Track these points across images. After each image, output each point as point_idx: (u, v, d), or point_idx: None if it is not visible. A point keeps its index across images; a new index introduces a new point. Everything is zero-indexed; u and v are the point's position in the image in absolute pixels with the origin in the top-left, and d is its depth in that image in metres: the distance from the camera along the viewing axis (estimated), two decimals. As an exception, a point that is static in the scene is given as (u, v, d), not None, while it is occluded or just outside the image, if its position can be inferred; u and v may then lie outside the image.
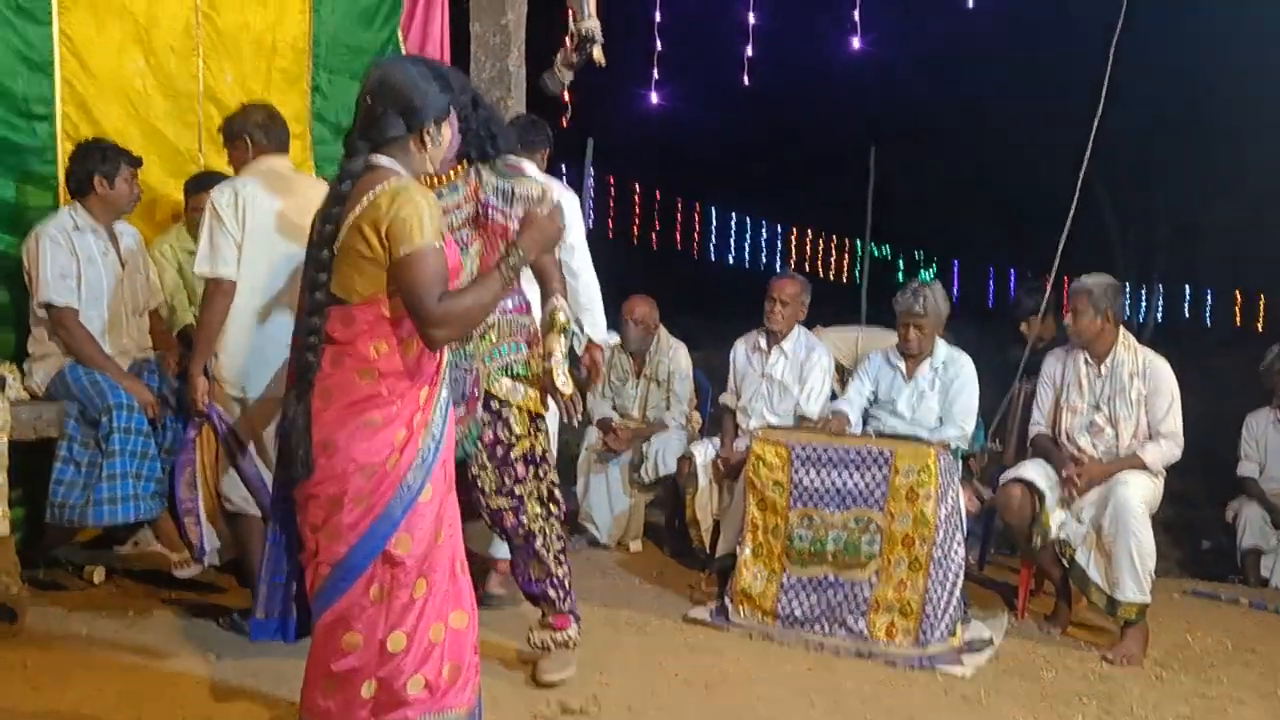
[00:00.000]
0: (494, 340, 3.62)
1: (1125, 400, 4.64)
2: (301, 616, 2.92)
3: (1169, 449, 4.60)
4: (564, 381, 3.58)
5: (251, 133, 4.15)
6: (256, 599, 2.95)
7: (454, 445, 2.86)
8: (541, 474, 3.69)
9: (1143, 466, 4.56)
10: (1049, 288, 5.90)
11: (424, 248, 2.60)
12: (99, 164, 4.29)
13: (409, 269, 2.59)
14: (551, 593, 3.77)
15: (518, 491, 3.64)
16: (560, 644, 3.79)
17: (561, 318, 3.61)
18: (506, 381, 3.62)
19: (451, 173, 3.58)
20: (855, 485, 4.45)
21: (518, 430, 3.62)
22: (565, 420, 3.70)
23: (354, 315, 2.66)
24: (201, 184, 4.81)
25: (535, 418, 3.67)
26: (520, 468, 3.64)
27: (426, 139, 2.77)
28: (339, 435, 2.65)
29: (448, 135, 2.84)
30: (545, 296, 3.66)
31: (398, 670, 2.69)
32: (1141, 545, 4.36)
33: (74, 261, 4.23)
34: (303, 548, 2.78)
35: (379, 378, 2.66)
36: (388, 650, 2.69)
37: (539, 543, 3.70)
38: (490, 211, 3.56)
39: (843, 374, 5.52)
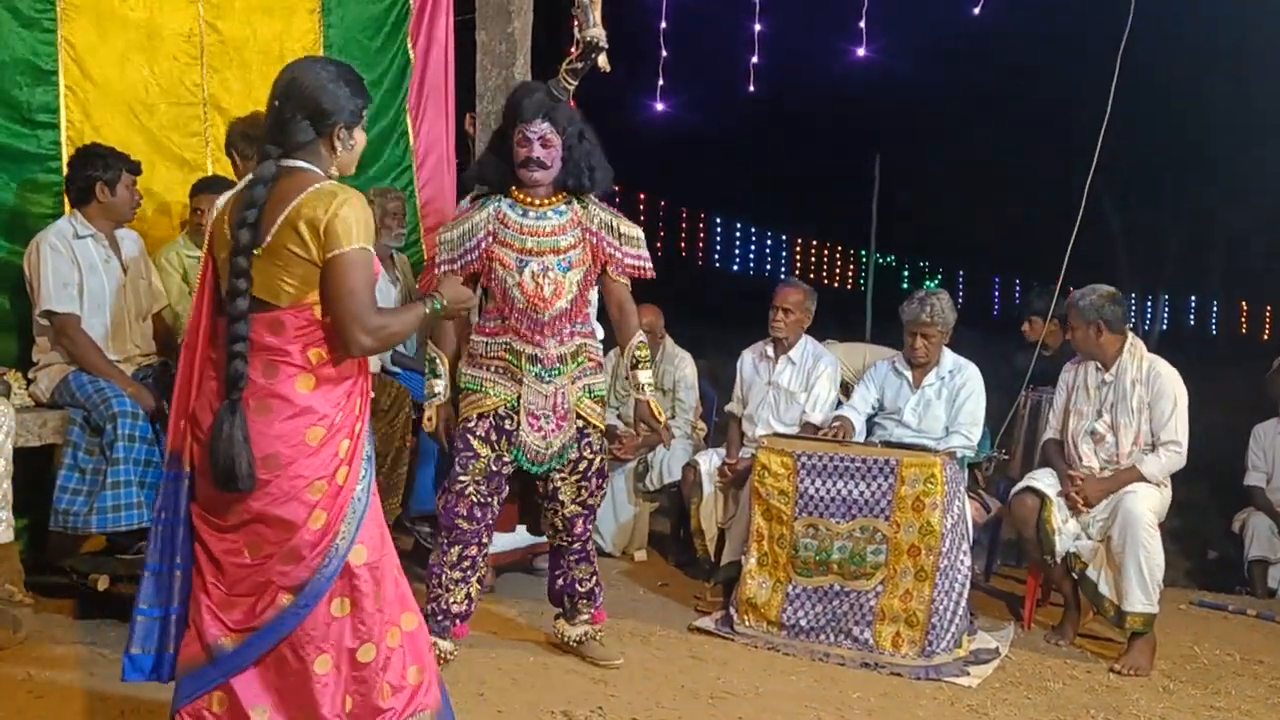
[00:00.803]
0: (581, 362, 3.94)
1: (1126, 407, 4.63)
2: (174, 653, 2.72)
3: (1169, 458, 4.57)
4: (658, 408, 4.13)
5: (236, 144, 4.15)
6: (131, 633, 2.71)
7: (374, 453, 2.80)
8: (603, 486, 4.11)
9: (1140, 479, 4.54)
10: (1057, 292, 5.87)
11: (357, 250, 2.55)
12: (100, 171, 4.27)
13: (345, 269, 2.54)
14: (596, 590, 4.18)
15: (590, 502, 4.06)
16: (600, 633, 4.19)
17: (644, 352, 4.09)
18: (589, 403, 3.97)
19: (553, 198, 3.90)
20: (861, 495, 4.44)
21: (596, 448, 4.02)
22: (658, 443, 4.13)
23: (283, 320, 2.58)
24: (204, 186, 4.81)
25: (602, 436, 4.07)
26: (594, 481, 4.04)
27: (337, 143, 2.69)
28: (283, 450, 2.56)
29: (360, 140, 2.76)
30: (628, 334, 4.06)
31: (372, 681, 2.66)
32: (1150, 556, 4.35)
33: (75, 269, 4.23)
34: (223, 579, 2.62)
35: (317, 385, 2.60)
36: (359, 662, 2.65)
37: (590, 545, 4.13)
38: (602, 244, 3.93)
39: (848, 390, 5.50)
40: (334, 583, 2.59)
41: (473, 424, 3.87)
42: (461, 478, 3.84)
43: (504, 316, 3.87)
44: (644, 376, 4.10)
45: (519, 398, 3.86)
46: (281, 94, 2.67)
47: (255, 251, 2.55)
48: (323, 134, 2.67)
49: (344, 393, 2.64)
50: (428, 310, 2.85)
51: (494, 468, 3.87)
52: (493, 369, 3.88)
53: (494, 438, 3.86)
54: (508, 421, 3.87)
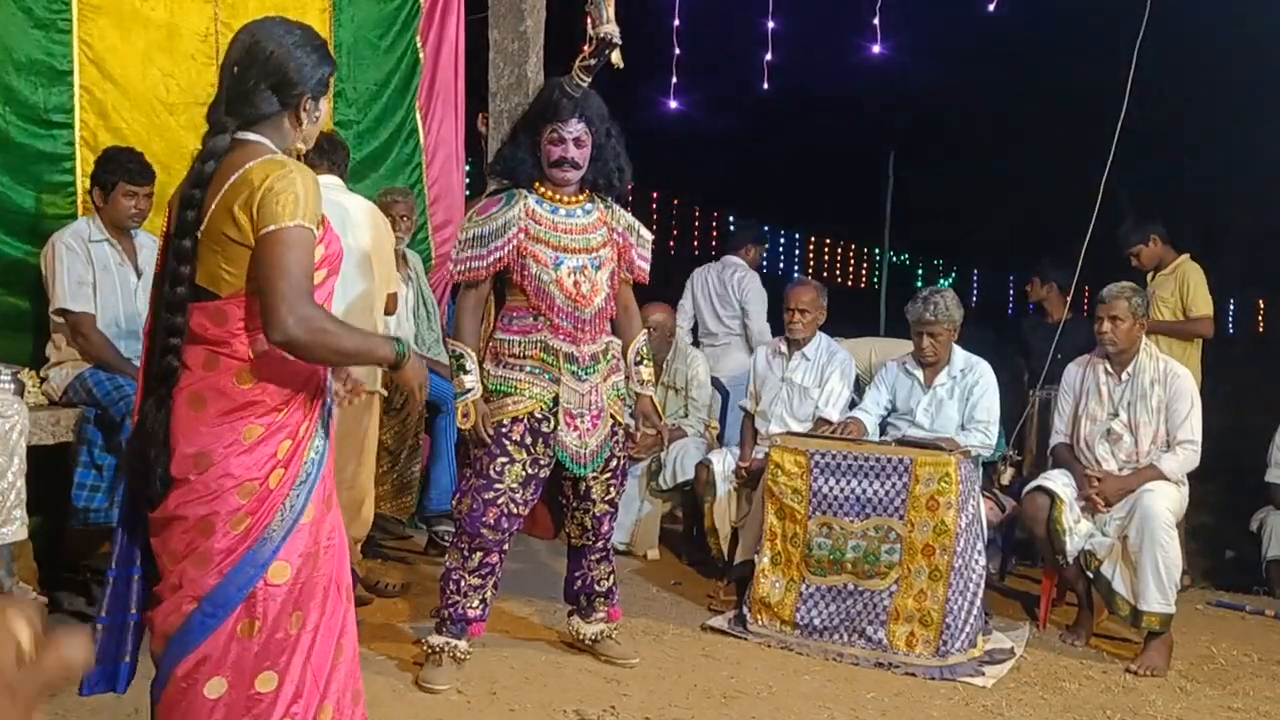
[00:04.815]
0: (609, 360, 3.95)
1: (1146, 406, 4.61)
2: (133, 662, 2.55)
3: (1186, 457, 4.57)
4: (658, 405, 4.29)
5: (309, 156, 4.17)
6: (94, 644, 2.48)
7: (335, 459, 2.54)
8: (625, 483, 4.19)
9: (1161, 477, 4.52)
10: (1077, 272, 5.84)
11: (293, 228, 2.27)
12: (99, 175, 4.30)
13: (272, 248, 2.26)
14: (614, 589, 4.19)
15: (617, 500, 4.10)
16: (616, 631, 4.19)
17: (647, 350, 4.19)
18: (616, 400, 3.98)
19: (579, 197, 3.90)
20: (875, 493, 4.42)
21: (623, 444, 4.04)
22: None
23: (225, 310, 2.33)
24: None
25: (623, 432, 4.08)
26: (620, 479, 4.08)
27: (303, 115, 2.44)
28: (216, 447, 2.31)
29: (325, 110, 2.52)
30: (633, 332, 4.12)
31: (267, 713, 2.36)
32: (1167, 555, 4.32)
33: (90, 270, 4.25)
34: (157, 581, 2.42)
35: (259, 381, 2.34)
36: (256, 691, 2.35)
37: (610, 545, 4.17)
38: (628, 245, 3.98)
39: (858, 386, 5.49)
40: (248, 597, 2.33)
41: (506, 427, 3.76)
42: (497, 485, 3.74)
43: (538, 313, 3.79)
44: (646, 373, 4.15)
45: (556, 398, 3.79)
46: (242, 59, 2.40)
47: (198, 233, 2.33)
48: (289, 106, 2.42)
49: (292, 390, 2.38)
50: (382, 353, 2.52)
51: (530, 471, 3.78)
52: (526, 369, 3.79)
53: (530, 441, 3.77)
54: (544, 423, 3.78)
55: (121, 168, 4.29)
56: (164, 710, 2.40)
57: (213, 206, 2.32)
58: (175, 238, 2.36)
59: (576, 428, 3.83)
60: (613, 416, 3.95)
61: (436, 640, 3.84)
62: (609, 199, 3.99)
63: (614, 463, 3.99)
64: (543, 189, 3.86)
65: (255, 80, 2.38)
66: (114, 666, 2.51)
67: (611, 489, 4.03)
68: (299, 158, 2.49)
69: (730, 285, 6.86)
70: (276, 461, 2.35)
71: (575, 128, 3.77)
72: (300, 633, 2.39)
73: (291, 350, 2.32)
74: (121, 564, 2.50)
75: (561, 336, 3.80)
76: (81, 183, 4.57)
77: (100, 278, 4.26)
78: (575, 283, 3.80)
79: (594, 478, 3.94)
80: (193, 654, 2.33)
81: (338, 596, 2.48)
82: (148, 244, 4.48)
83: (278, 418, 2.36)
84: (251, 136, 2.39)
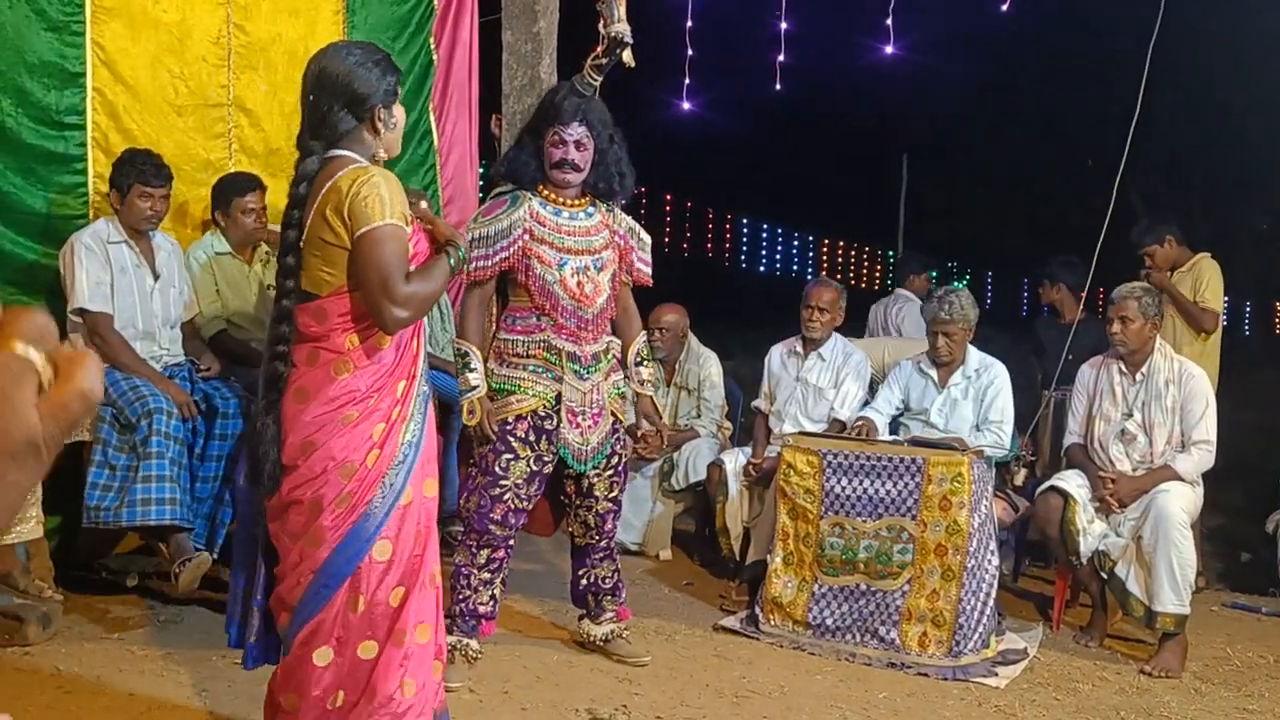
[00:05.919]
0: (610, 360, 3.98)
1: (1160, 407, 4.59)
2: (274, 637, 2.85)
3: (1201, 457, 4.54)
4: (658, 405, 4.32)
5: None
6: (249, 624, 2.85)
7: (434, 448, 2.79)
8: (626, 482, 4.21)
9: (1176, 478, 4.50)
10: (1090, 273, 5.82)
11: (385, 226, 2.54)
12: (115, 177, 4.33)
13: (370, 247, 2.53)
14: (620, 586, 4.21)
15: (619, 498, 4.13)
16: (626, 630, 4.18)
17: (647, 351, 4.25)
18: (616, 399, 4.01)
19: (582, 200, 3.95)
20: (887, 493, 4.41)
21: (624, 442, 4.09)
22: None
23: (325, 308, 2.61)
24: (249, 185, 4.78)
25: (625, 430, 4.12)
26: (622, 476, 4.12)
27: (379, 124, 2.69)
28: (318, 434, 2.59)
29: (400, 116, 2.76)
30: (633, 333, 4.18)
31: (365, 677, 2.62)
32: (1182, 556, 4.30)
33: (108, 271, 4.27)
34: (280, 563, 2.71)
35: (355, 371, 2.61)
36: (360, 659, 2.61)
37: (614, 543, 4.19)
38: (629, 248, 4.03)
39: (871, 387, 5.48)
40: (356, 570, 2.58)
41: (510, 425, 3.83)
42: (503, 482, 3.81)
43: (543, 313, 3.85)
44: (646, 374, 4.22)
45: (558, 396, 3.85)
46: (314, 87, 2.66)
47: (299, 248, 2.61)
48: (363, 119, 2.66)
49: (383, 376, 2.63)
50: (452, 262, 2.76)
51: (534, 468, 3.85)
52: (529, 368, 3.85)
53: (533, 438, 3.84)
54: (548, 421, 3.84)
55: (136, 169, 4.31)
56: (281, 675, 2.68)
57: (310, 215, 2.60)
58: (281, 256, 2.65)
59: (579, 425, 3.88)
60: (613, 414, 4.00)
61: (449, 639, 3.85)
62: (611, 204, 4.04)
63: (615, 460, 4.04)
64: (546, 191, 3.93)
65: (328, 104, 2.64)
66: (265, 641, 2.84)
67: (614, 486, 4.06)
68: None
69: (890, 315, 7.43)
70: (372, 443, 2.60)
71: (576, 131, 3.83)
72: (400, 607, 2.63)
73: (407, 325, 2.63)
74: (268, 552, 2.78)
75: (565, 336, 3.85)
76: (93, 184, 4.60)
77: (118, 279, 4.28)
78: (579, 283, 3.86)
79: (596, 475, 3.98)
80: (311, 622, 2.60)
81: (430, 583, 2.73)
82: (165, 246, 4.51)
83: (370, 403, 2.61)
84: (338, 153, 2.65)
